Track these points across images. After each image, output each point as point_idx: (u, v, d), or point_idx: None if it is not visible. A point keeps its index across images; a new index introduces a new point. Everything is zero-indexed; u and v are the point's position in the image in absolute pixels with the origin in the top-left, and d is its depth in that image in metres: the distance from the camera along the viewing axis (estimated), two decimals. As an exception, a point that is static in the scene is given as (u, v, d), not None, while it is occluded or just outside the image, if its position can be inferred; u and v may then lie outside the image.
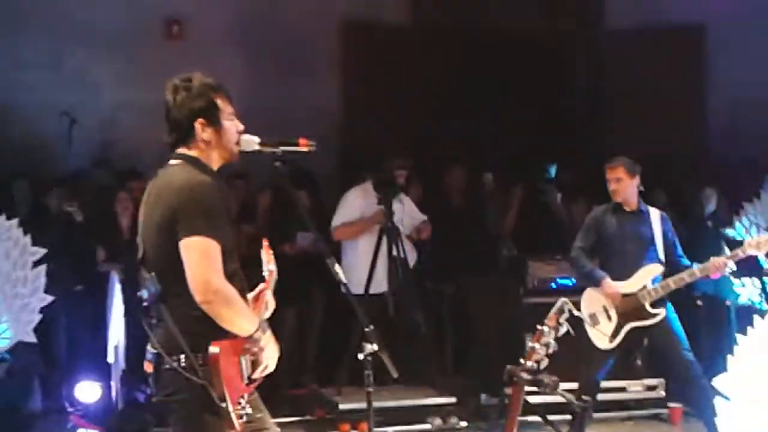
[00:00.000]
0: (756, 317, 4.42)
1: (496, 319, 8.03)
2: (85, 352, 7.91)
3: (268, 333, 3.62)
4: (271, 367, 3.64)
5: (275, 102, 10.22)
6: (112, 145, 10.01)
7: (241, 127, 3.71)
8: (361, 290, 7.65)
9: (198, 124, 3.61)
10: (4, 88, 9.77)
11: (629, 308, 6.70)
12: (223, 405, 3.39)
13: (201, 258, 3.40)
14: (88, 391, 7.51)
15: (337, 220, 8.26)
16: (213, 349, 3.39)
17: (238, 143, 3.70)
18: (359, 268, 7.85)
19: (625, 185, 6.80)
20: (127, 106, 9.67)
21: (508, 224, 9.67)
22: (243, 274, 3.66)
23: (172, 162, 3.64)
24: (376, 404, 4.09)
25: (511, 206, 9.68)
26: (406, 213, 8.30)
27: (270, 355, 3.62)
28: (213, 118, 3.62)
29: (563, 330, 3.60)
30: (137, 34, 10.12)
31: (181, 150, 3.64)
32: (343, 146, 10.64)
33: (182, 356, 3.43)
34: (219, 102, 3.64)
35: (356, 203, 8.18)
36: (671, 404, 7.85)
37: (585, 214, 7.36)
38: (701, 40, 11.43)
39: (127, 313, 7.01)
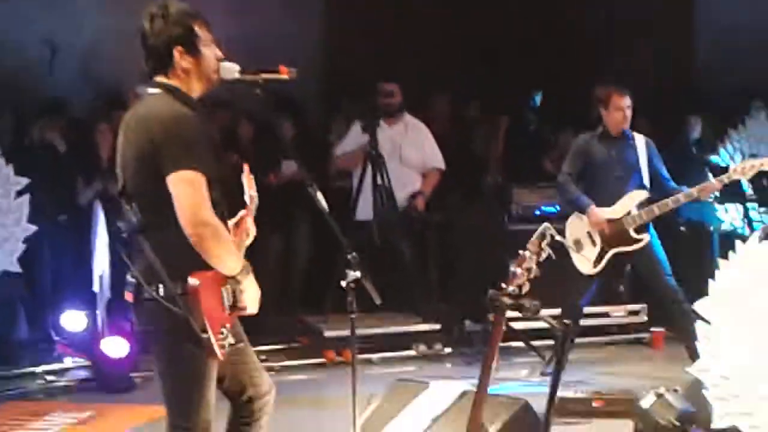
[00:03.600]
0: (738, 242, 4.44)
1: (481, 245, 8.06)
2: (70, 282, 7.93)
3: (251, 276, 3.61)
4: (252, 310, 3.64)
5: (257, 29, 10.11)
6: (94, 74, 9.90)
7: (221, 54, 3.66)
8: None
9: (176, 52, 3.55)
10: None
11: (613, 234, 6.74)
12: (205, 335, 3.39)
13: (190, 191, 3.38)
14: (73, 320, 7.55)
15: (337, 150, 8.37)
16: (193, 281, 3.38)
17: (217, 71, 3.65)
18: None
19: (631, 111, 6.81)
20: (109, 32, 9.54)
21: (493, 152, 9.68)
22: (225, 204, 3.64)
23: (151, 91, 3.59)
24: (360, 331, 4.11)
25: (497, 134, 9.68)
26: (410, 139, 8.26)
27: (251, 298, 3.62)
28: (191, 46, 3.57)
29: (545, 255, 3.62)
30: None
31: (160, 78, 3.58)
32: (326, 73, 10.57)
33: (161, 286, 3.42)
34: (197, 29, 3.58)
35: (357, 132, 8.18)
36: (653, 329, 7.94)
37: (571, 141, 7.35)
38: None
39: (111, 243, 7.01)
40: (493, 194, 8.90)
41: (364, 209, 8.02)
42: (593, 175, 6.93)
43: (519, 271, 3.57)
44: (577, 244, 6.83)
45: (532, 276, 3.59)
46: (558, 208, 7.81)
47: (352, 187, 8.25)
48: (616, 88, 6.85)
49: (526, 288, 3.56)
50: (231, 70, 3.71)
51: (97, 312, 7.14)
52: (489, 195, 9.02)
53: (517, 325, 6.86)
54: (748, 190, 7.99)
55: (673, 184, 6.80)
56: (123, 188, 3.56)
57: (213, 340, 3.41)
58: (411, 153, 8.26)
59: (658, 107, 9.83)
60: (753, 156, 7.96)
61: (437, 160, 8.35)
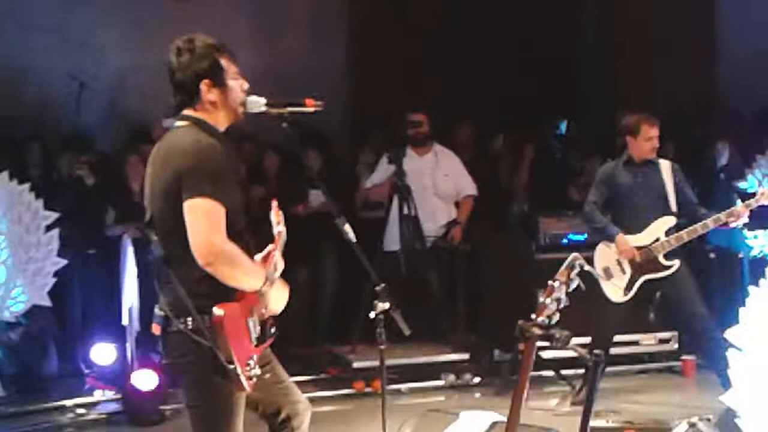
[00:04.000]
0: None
1: (509, 275, 8.03)
2: (99, 315, 7.97)
3: (277, 283, 3.61)
4: (278, 310, 3.64)
5: (282, 61, 10.19)
6: (121, 108, 9.99)
7: (247, 86, 3.69)
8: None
9: (203, 85, 3.59)
10: (13, 52, 9.75)
11: (643, 261, 6.71)
12: (231, 367, 3.40)
13: (203, 219, 3.40)
14: (103, 353, 7.58)
15: (368, 182, 8.44)
16: (217, 311, 3.39)
17: (243, 103, 3.68)
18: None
19: (658, 142, 6.80)
20: (135, 68, 9.63)
21: (519, 181, 9.67)
22: (251, 236, 3.65)
23: (178, 124, 3.63)
24: (389, 362, 4.11)
25: (522, 163, 9.68)
26: (441, 168, 8.28)
27: (276, 299, 3.62)
28: (218, 79, 3.61)
29: (574, 285, 3.60)
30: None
31: (187, 112, 3.62)
32: (352, 103, 10.62)
33: (189, 319, 3.44)
34: (223, 62, 3.62)
35: (385, 164, 8.23)
36: (684, 357, 7.86)
37: (597, 168, 7.34)
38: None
39: (140, 275, 7.04)
40: (519, 223, 8.88)
41: (393, 240, 8.04)
42: (619, 203, 6.91)
43: (548, 301, 3.55)
44: (606, 272, 6.80)
45: (561, 306, 3.57)
46: (586, 236, 7.77)
47: (380, 218, 8.29)
48: (647, 117, 6.82)
49: (555, 318, 3.54)
50: (257, 103, 3.74)
51: (127, 345, 7.16)
52: (516, 224, 9.00)
53: (547, 354, 6.82)
54: (778, 216, 7.91)
55: (702, 210, 6.76)
56: (150, 220, 3.59)
57: (239, 371, 3.41)
58: (444, 182, 8.30)
59: (685, 133, 9.82)
60: (781, 182, 7.92)
61: (470, 188, 8.38)
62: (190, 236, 3.39)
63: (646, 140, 6.79)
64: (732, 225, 6.71)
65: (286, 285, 3.68)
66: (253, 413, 3.62)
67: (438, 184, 8.27)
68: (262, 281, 3.55)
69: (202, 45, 3.60)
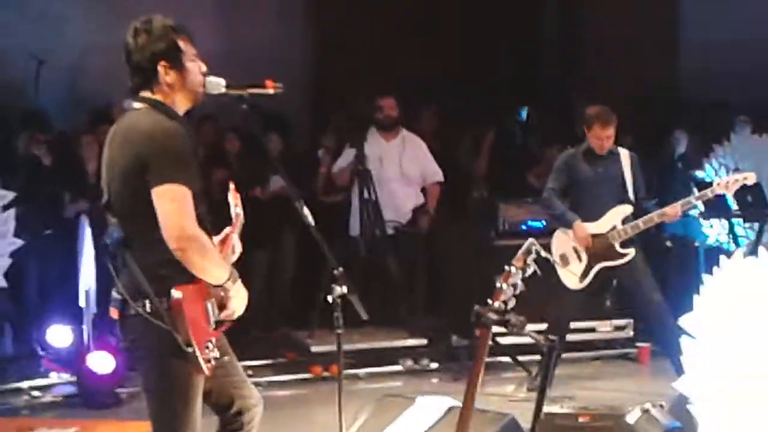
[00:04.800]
0: (723, 258, 4.45)
1: (468, 261, 8.06)
2: (56, 296, 7.90)
3: (239, 282, 3.61)
4: (239, 312, 3.64)
5: (245, 43, 10.13)
6: (81, 88, 9.89)
7: (205, 68, 3.66)
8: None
9: (161, 67, 3.56)
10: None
11: (599, 249, 6.76)
12: (190, 350, 3.39)
13: (175, 205, 3.38)
14: (59, 335, 7.52)
15: (334, 166, 8.45)
16: (176, 293, 3.38)
17: (202, 85, 3.65)
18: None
19: (612, 140, 6.83)
20: (96, 47, 9.53)
21: (479, 167, 9.70)
22: (211, 220, 3.64)
23: (136, 105, 3.59)
24: (347, 346, 4.14)
25: (483, 149, 9.71)
26: (408, 154, 8.28)
27: (238, 304, 3.62)
28: (175, 60, 3.57)
29: (531, 270, 3.62)
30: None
31: (145, 93, 3.59)
32: (314, 87, 10.59)
33: (147, 301, 3.42)
34: (181, 43, 3.59)
35: (349, 148, 8.24)
36: (639, 344, 7.95)
37: (558, 155, 7.37)
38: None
39: (97, 257, 6.98)
40: (479, 209, 8.91)
41: (356, 224, 8.08)
42: (578, 191, 6.95)
43: (505, 286, 3.58)
44: (563, 259, 6.85)
45: (517, 292, 3.59)
46: (544, 223, 7.83)
47: (341, 202, 8.30)
48: (601, 117, 6.78)
49: (511, 304, 3.57)
50: (217, 84, 3.71)
51: (83, 327, 7.11)
52: (475, 210, 9.03)
53: (504, 340, 6.86)
54: (733, 205, 8.01)
55: (648, 203, 6.84)
56: (108, 202, 3.56)
57: (198, 354, 3.41)
58: (411, 167, 8.31)
59: (644, 122, 9.89)
60: (737, 171, 8.00)
61: (437, 174, 8.38)
62: (162, 222, 3.37)
63: (596, 138, 6.82)
64: (669, 222, 6.80)
65: (245, 290, 3.66)
66: (204, 402, 3.60)
67: (405, 169, 8.28)
68: (227, 275, 3.54)
69: (159, 26, 3.57)
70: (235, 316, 3.62)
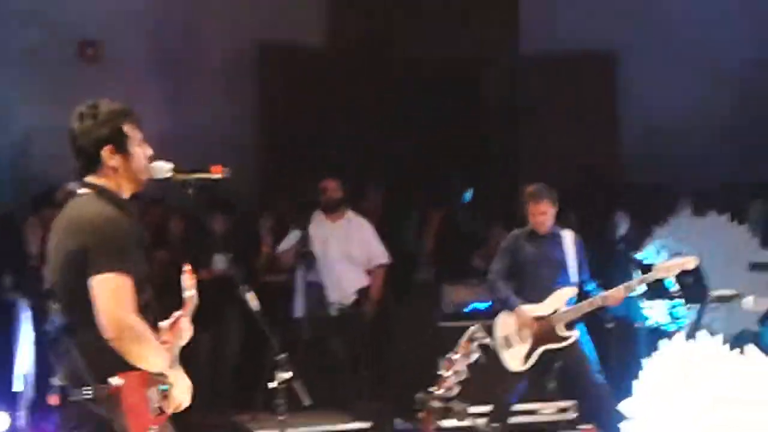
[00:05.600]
0: (662, 341, 4.52)
1: (413, 343, 8.06)
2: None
3: (180, 370, 3.58)
4: (185, 403, 3.60)
5: (192, 126, 10.17)
6: (24, 169, 9.82)
7: (150, 152, 3.68)
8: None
9: (105, 152, 3.57)
10: None
11: (542, 331, 6.79)
12: (126, 439, 3.35)
13: (112, 295, 3.37)
14: (-4, 420, 7.35)
15: (279, 248, 8.44)
16: (116, 381, 3.36)
17: (147, 170, 3.66)
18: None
19: (550, 216, 6.92)
20: (40, 129, 9.50)
21: (425, 248, 9.75)
22: (156, 304, 3.62)
23: (80, 191, 3.59)
24: (290, 430, 4.09)
25: (428, 230, 9.77)
26: (354, 236, 8.29)
27: (182, 392, 3.58)
28: (120, 145, 3.59)
29: (474, 357, 3.65)
30: (51, 56, 9.97)
31: (90, 179, 3.59)
32: (261, 170, 10.63)
33: (87, 388, 3.39)
34: (126, 129, 3.61)
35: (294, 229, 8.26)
36: (582, 426, 7.95)
37: (503, 236, 7.44)
38: (614, 68, 11.69)
39: (37, 342, 6.87)
40: (424, 291, 8.94)
41: (299, 306, 8.06)
42: (522, 272, 7.01)
43: (448, 374, 3.59)
44: (507, 341, 6.87)
45: (461, 378, 3.61)
46: (490, 304, 7.86)
47: (284, 282, 8.29)
48: (531, 193, 6.92)
49: (455, 391, 3.58)
50: (162, 169, 3.72)
51: (19, 413, 6.96)
52: (420, 292, 9.06)
53: (448, 424, 6.82)
54: (673, 287, 8.12)
55: (589, 285, 6.92)
56: (51, 288, 3.54)
57: (135, 443, 3.36)
58: (356, 249, 8.29)
59: (586, 204, 10.03)
60: (678, 254, 8.11)
61: (382, 256, 8.38)
62: (98, 312, 3.36)
63: (531, 216, 6.93)
64: (611, 305, 6.88)
65: (187, 379, 3.63)
66: None
67: (351, 251, 8.27)
68: (166, 363, 3.51)
69: (105, 111, 3.59)
70: (183, 407, 3.59)
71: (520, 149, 11.78)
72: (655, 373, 4.29)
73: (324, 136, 10.52)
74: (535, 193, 6.89)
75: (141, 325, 3.42)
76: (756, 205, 9.68)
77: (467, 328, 3.77)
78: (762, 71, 11.26)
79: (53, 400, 3.50)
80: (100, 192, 3.56)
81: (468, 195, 10.62)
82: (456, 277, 8.49)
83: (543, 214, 6.88)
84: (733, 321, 8.07)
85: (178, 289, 3.98)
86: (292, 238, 8.30)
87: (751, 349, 3.96)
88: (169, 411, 3.55)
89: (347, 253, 8.26)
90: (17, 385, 6.95)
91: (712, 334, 4.18)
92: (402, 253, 9.41)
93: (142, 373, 3.45)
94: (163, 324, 3.68)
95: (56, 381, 3.49)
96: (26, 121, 9.85)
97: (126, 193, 3.64)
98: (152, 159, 3.70)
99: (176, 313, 3.80)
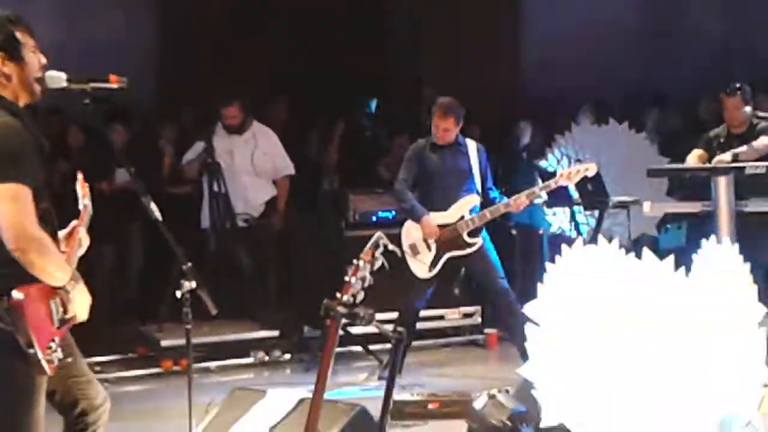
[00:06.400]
0: (564, 245, 4.60)
1: (319, 252, 8.10)
2: None
3: (81, 285, 3.54)
4: (81, 318, 3.57)
5: (91, 35, 9.91)
6: None
7: (45, 60, 3.58)
8: None
9: (-3, 59, 3.46)
10: None
11: (448, 238, 6.88)
12: (31, 351, 3.32)
13: (13, 205, 3.30)
14: None
15: (183, 159, 8.40)
16: (17, 294, 3.30)
17: (42, 78, 3.57)
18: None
19: (453, 133, 6.95)
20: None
21: (329, 158, 9.74)
22: (55, 213, 3.56)
23: (-26, 99, 3.49)
24: (197, 340, 4.13)
25: (333, 140, 9.76)
26: (260, 147, 8.21)
27: (80, 307, 3.55)
28: (13, 52, 3.48)
29: (379, 264, 3.68)
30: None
31: (-17, 87, 3.48)
32: (161, 79, 10.44)
33: (-12, 302, 3.33)
34: (18, 35, 3.50)
35: (198, 141, 8.16)
36: (487, 330, 8.14)
37: (408, 146, 7.46)
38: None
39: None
40: (329, 201, 8.96)
41: (205, 217, 8.02)
42: (427, 182, 7.05)
43: (353, 280, 3.63)
44: (413, 248, 6.94)
45: (366, 284, 3.64)
46: (394, 213, 7.92)
47: (190, 194, 8.23)
48: (439, 107, 6.93)
49: (360, 297, 3.62)
50: (58, 78, 3.63)
51: None
52: (325, 201, 9.07)
53: (355, 330, 6.92)
54: (574, 194, 8.28)
55: (494, 193, 7.01)
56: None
57: (40, 355, 3.33)
58: (262, 160, 8.23)
59: (489, 114, 10.12)
60: (579, 161, 8.26)
61: (288, 167, 8.34)
62: (0, 224, 3.29)
63: (435, 128, 6.96)
64: (516, 211, 6.99)
65: (88, 294, 3.59)
66: (48, 402, 3.53)
67: (257, 162, 8.21)
68: (68, 277, 3.46)
69: None
70: (78, 320, 3.55)
71: (422, 60, 11.77)
72: (558, 277, 4.38)
73: (226, 44, 10.35)
74: (443, 107, 6.91)
75: (45, 237, 3.37)
76: (652, 113, 9.88)
77: (372, 237, 3.80)
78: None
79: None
80: (-6, 101, 3.45)
81: (372, 104, 10.59)
82: (361, 186, 8.50)
83: (446, 130, 6.92)
84: (632, 226, 8.29)
85: (76, 200, 3.94)
86: (197, 149, 8.21)
87: (647, 252, 4.06)
88: (68, 324, 3.52)
89: (253, 164, 8.20)
90: None
91: (611, 239, 4.27)
92: (307, 163, 9.40)
93: (43, 286, 3.40)
94: (60, 234, 3.63)
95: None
96: None
97: (22, 102, 3.54)
98: (47, 68, 3.59)
99: (72, 223, 3.76)
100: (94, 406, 3.70)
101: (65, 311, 3.48)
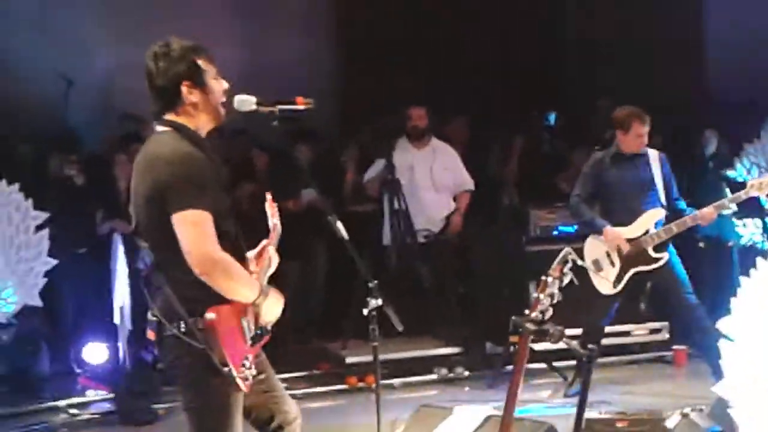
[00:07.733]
0: (758, 258, 4.42)
1: (500, 268, 8.06)
2: (91, 314, 7.95)
3: (271, 295, 3.61)
4: (271, 320, 3.64)
5: (270, 58, 10.17)
6: (110, 107, 9.95)
7: (226, 85, 3.69)
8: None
9: (184, 87, 3.57)
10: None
11: (632, 253, 6.72)
12: (226, 369, 3.41)
13: (195, 231, 3.40)
14: (95, 353, 7.58)
15: (365, 177, 8.53)
16: (209, 315, 3.40)
17: (224, 103, 3.68)
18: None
19: (646, 138, 6.80)
20: (124, 67, 9.56)
21: (509, 173, 9.69)
22: (242, 234, 3.66)
23: (159, 129, 3.61)
24: (381, 357, 4.13)
25: (512, 155, 9.70)
26: (440, 163, 8.29)
27: (270, 312, 3.62)
28: (198, 80, 3.60)
29: (567, 280, 3.62)
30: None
31: (169, 116, 3.60)
32: (343, 98, 10.63)
33: (182, 322, 3.45)
34: (201, 63, 3.61)
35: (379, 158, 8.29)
36: (675, 347, 7.90)
37: (586, 160, 7.33)
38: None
39: (131, 275, 7.02)
40: (510, 216, 8.90)
41: (387, 234, 8.12)
42: (608, 195, 6.91)
43: (542, 296, 3.58)
44: (596, 264, 6.81)
45: (554, 301, 3.59)
46: (576, 227, 7.80)
47: (372, 211, 8.38)
48: (638, 114, 6.77)
49: (549, 313, 3.57)
50: (248, 102, 3.75)
51: (119, 344, 7.15)
52: (506, 217, 9.02)
53: (539, 347, 6.84)
54: (767, 205, 7.96)
55: (682, 203, 6.79)
56: (137, 226, 3.59)
57: (235, 373, 3.43)
58: (442, 176, 8.32)
59: (672, 123, 9.84)
60: (768, 170, 7.96)
61: (468, 183, 8.40)
62: (184, 249, 3.40)
63: (636, 137, 6.78)
64: (703, 225, 6.75)
65: (281, 296, 3.67)
66: (245, 420, 3.63)
67: (436, 178, 8.29)
68: (257, 293, 3.55)
69: (178, 47, 3.59)
70: (267, 323, 3.62)
71: (596, 70, 11.58)
72: (754, 291, 4.21)
73: (407, 61, 10.45)
74: (641, 113, 6.76)
75: (227, 258, 3.46)
76: None
77: (554, 251, 3.74)
78: None
79: (150, 335, 3.58)
80: (177, 129, 3.58)
81: (552, 118, 10.49)
82: (541, 201, 8.41)
83: (642, 136, 6.77)
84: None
85: (265, 220, 4.03)
86: (378, 166, 8.32)
87: None
88: (264, 336, 3.60)
89: (433, 180, 8.26)
90: (116, 317, 7.13)
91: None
92: (486, 179, 9.38)
93: (234, 305, 3.49)
94: (250, 254, 3.72)
95: (151, 316, 3.56)
96: (109, 59, 9.94)
97: (206, 129, 3.65)
98: (229, 93, 3.70)
99: (262, 242, 3.85)
100: (288, 421, 3.79)
101: (257, 326, 3.57)
